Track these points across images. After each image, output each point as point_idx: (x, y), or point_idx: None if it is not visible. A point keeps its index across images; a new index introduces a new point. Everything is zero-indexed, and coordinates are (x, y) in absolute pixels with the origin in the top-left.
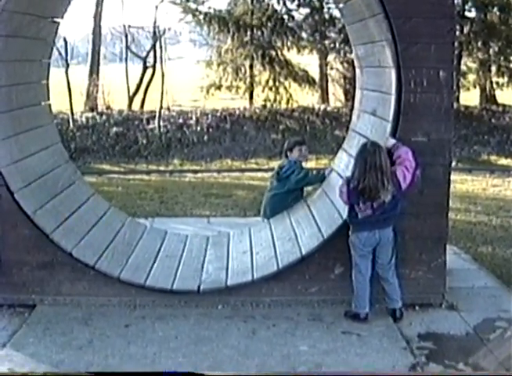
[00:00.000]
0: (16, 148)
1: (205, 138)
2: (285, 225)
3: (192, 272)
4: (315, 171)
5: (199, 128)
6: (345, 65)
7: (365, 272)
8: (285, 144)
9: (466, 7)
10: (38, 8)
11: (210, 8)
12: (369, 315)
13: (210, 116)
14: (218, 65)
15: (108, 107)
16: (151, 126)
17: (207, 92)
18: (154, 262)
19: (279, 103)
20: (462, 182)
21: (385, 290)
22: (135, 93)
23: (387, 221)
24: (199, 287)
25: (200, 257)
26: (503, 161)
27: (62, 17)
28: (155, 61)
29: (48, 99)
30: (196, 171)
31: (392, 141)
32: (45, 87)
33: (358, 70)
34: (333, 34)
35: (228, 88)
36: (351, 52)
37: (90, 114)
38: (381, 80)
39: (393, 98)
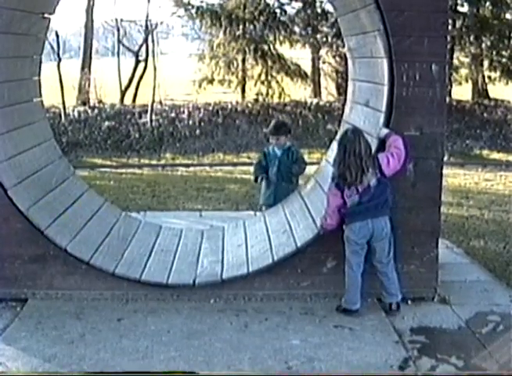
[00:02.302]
0: (10, 145)
1: (197, 132)
2: (279, 217)
3: (187, 266)
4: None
5: (191, 122)
6: (337, 59)
7: (357, 268)
8: (272, 123)
9: (459, 1)
10: (29, 3)
11: (202, 2)
12: (359, 309)
13: (202, 110)
14: (211, 59)
15: (100, 101)
16: (143, 120)
17: (200, 86)
18: (149, 257)
19: (272, 97)
20: (454, 177)
21: (383, 284)
22: (127, 87)
23: (378, 209)
24: (194, 280)
25: (194, 251)
26: (495, 156)
27: (52, 13)
28: (147, 55)
29: (41, 96)
30: (188, 165)
31: (385, 131)
32: (36, 83)
33: (350, 62)
34: (325, 28)
35: (221, 82)
36: (343, 46)
37: (82, 108)
38: (373, 71)
39: (385, 88)
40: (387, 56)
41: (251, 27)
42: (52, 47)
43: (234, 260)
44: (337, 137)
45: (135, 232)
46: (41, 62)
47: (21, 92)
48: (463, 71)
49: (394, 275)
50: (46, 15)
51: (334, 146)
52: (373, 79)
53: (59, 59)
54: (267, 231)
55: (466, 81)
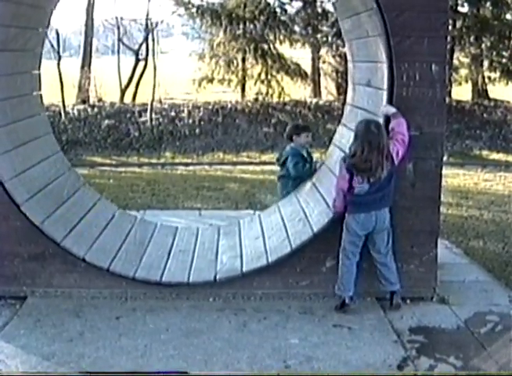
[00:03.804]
0: (17, 161)
1: (197, 131)
2: (294, 206)
3: (207, 264)
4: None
5: (191, 121)
6: (337, 59)
7: (352, 257)
8: (288, 128)
9: (459, 2)
10: (22, 19)
11: (202, 1)
12: (354, 298)
13: (202, 109)
14: (211, 58)
15: (100, 100)
16: (143, 119)
17: (199, 85)
18: (168, 258)
19: (271, 96)
20: (454, 177)
21: (382, 273)
22: (127, 86)
23: (383, 200)
24: (215, 277)
25: (212, 248)
26: (495, 156)
27: (47, 27)
28: (147, 54)
29: (44, 110)
30: (187, 164)
31: (392, 110)
32: (38, 98)
33: (347, 45)
34: (325, 28)
35: (221, 81)
36: (343, 46)
37: (82, 107)
38: (371, 50)
39: (385, 66)
40: (383, 32)
41: (251, 26)
42: (52, 45)
43: (253, 253)
44: (343, 121)
45: (152, 235)
46: (40, 76)
47: (23, 108)
48: (463, 71)
49: (393, 265)
50: (40, 29)
51: (343, 130)
52: (372, 58)
53: (59, 58)
54: (282, 221)
55: (466, 81)
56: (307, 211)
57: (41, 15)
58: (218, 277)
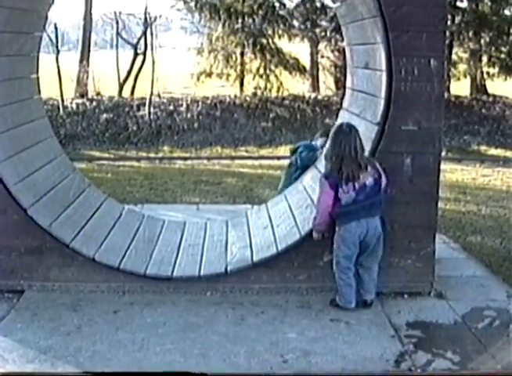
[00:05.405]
0: (21, 166)
1: (195, 125)
2: (300, 194)
3: (217, 256)
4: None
5: (189, 116)
6: (336, 53)
7: (348, 271)
8: (322, 129)
9: None
10: (16, 24)
11: None
12: (356, 306)
13: (200, 103)
14: (209, 52)
15: (98, 94)
16: (141, 113)
17: (198, 79)
18: (178, 254)
19: (270, 90)
20: (452, 172)
21: (363, 280)
22: (125, 80)
23: (373, 208)
24: (226, 268)
25: (222, 241)
26: (493, 151)
27: (42, 31)
28: (146, 48)
29: (45, 114)
30: (185, 159)
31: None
32: (38, 102)
33: (343, 29)
34: (324, 23)
35: (219, 75)
36: (342, 41)
37: (80, 101)
38: (367, 32)
39: (381, 46)
40: (379, 14)
41: (250, 20)
42: (50, 39)
43: (262, 242)
44: (345, 105)
45: (160, 232)
46: (38, 81)
47: (24, 113)
48: (462, 67)
49: (375, 271)
50: (35, 33)
51: (344, 114)
52: (369, 40)
53: (58, 52)
54: (290, 209)
55: (465, 76)
56: (314, 197)
57: (34, 19)
58: (229, 269)
